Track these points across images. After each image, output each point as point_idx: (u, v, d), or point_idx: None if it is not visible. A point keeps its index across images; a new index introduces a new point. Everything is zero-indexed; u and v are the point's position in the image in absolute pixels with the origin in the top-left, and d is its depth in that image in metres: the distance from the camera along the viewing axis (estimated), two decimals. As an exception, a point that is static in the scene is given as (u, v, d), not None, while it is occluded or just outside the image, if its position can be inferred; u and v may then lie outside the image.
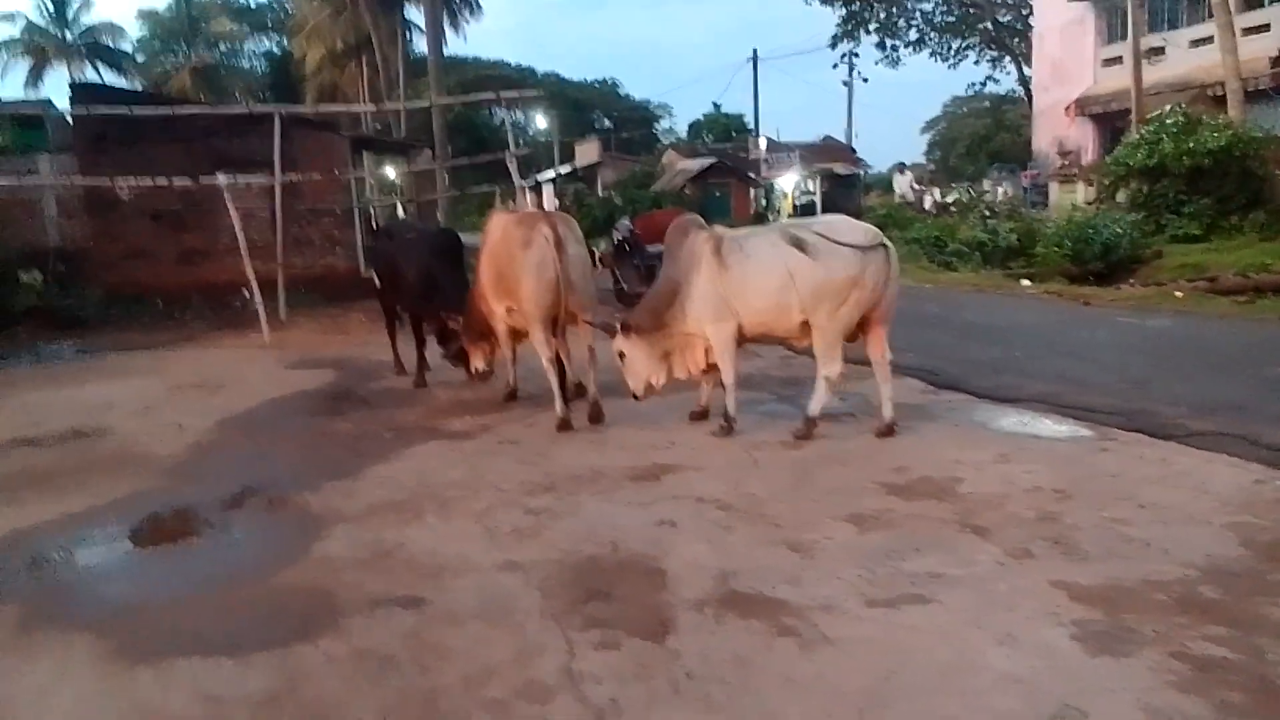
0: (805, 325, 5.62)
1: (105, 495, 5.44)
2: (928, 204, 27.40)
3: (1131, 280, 14.90)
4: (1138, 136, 19.82)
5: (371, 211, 17.38)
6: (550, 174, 43.86)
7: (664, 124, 68.09)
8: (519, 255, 6.36)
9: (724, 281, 5.67)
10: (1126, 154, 19.58)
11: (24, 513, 5.17)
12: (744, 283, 5.63)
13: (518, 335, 7.04)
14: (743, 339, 5.88)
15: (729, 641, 3.22)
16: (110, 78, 45.79)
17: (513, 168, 12.98)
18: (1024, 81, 39.23)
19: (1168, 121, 19.03)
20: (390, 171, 18.12)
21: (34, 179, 15.20)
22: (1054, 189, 25.51)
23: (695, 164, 35.84)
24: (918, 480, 4.81)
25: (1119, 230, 16.31)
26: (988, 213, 20.56)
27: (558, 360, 6.55)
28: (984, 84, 42.78)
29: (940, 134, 65.65)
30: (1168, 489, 4.46)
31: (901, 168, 32.45)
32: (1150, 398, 6.17)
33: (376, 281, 8.92)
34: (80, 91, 14.69)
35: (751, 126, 49.06)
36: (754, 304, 5.64)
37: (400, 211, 20.34)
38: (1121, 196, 19.85)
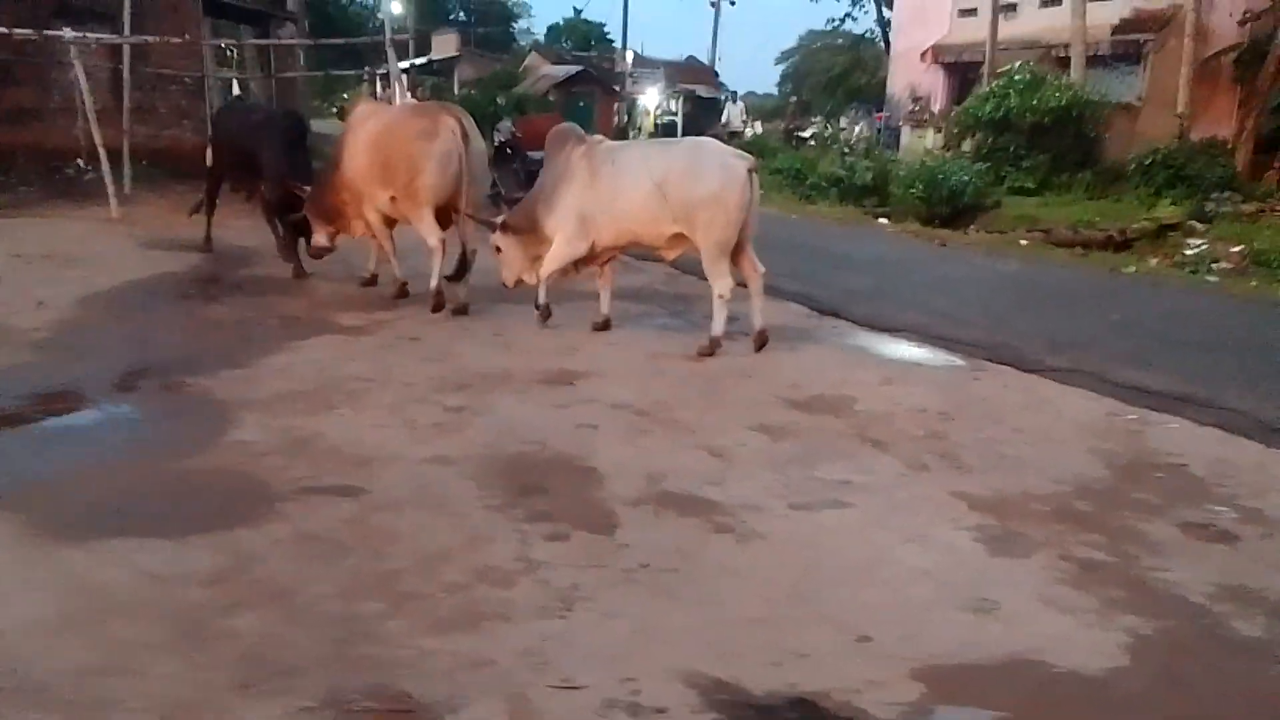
0: (675, 237, 5.95)
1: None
2: (748, 136, 28.28)
3: (973, 226, 15.93)
4: (988, 89, 20.88)
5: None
6: (405, 64, 41.84)
7: (522, 24, 65.97)
8: (421, 145, 6.41)
9: (592, 195, 5.96)
10: (976, 105, 20.64)
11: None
12: (613, 196, 5.93)
13: (391, 224, 7.10)
14: (603, 251, 6.23)
15: (671, 536, 3.44)
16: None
17: (391, 55, 12.39)
18: (882, 23, 40.28)
19: (1015, 77, 20.12)
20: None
21: None
22: (905, 133, 26.62)
23: (561, 70, 35.13)
24: (814, 397, 5.15)
25: (965, 178, 17.27)
26: (846, 150, 21.28)
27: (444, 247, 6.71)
28: (842, 21, 43.67)
29: (793, 67, 66.80)
30: (1035, 415, 4.99)
31: (733, 97, 33.11)
32: (1012, 333, 6.77)
33: (210, 159, 8.96)
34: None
35: (613, 37, 48.34)
36: (620, 216, 5.95)
37: (236, 89, 19.01)
38: (968, 146, 20.98)
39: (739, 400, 5.09)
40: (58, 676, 2.50)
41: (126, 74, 11.47)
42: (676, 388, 5.28)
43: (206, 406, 4.69)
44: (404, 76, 37.21)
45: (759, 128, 29.68)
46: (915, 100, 30.40)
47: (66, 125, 14.17)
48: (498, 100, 28.58)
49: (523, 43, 56.36)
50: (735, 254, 6.01)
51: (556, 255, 6.17)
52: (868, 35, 45.17)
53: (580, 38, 51.36)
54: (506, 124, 12.72)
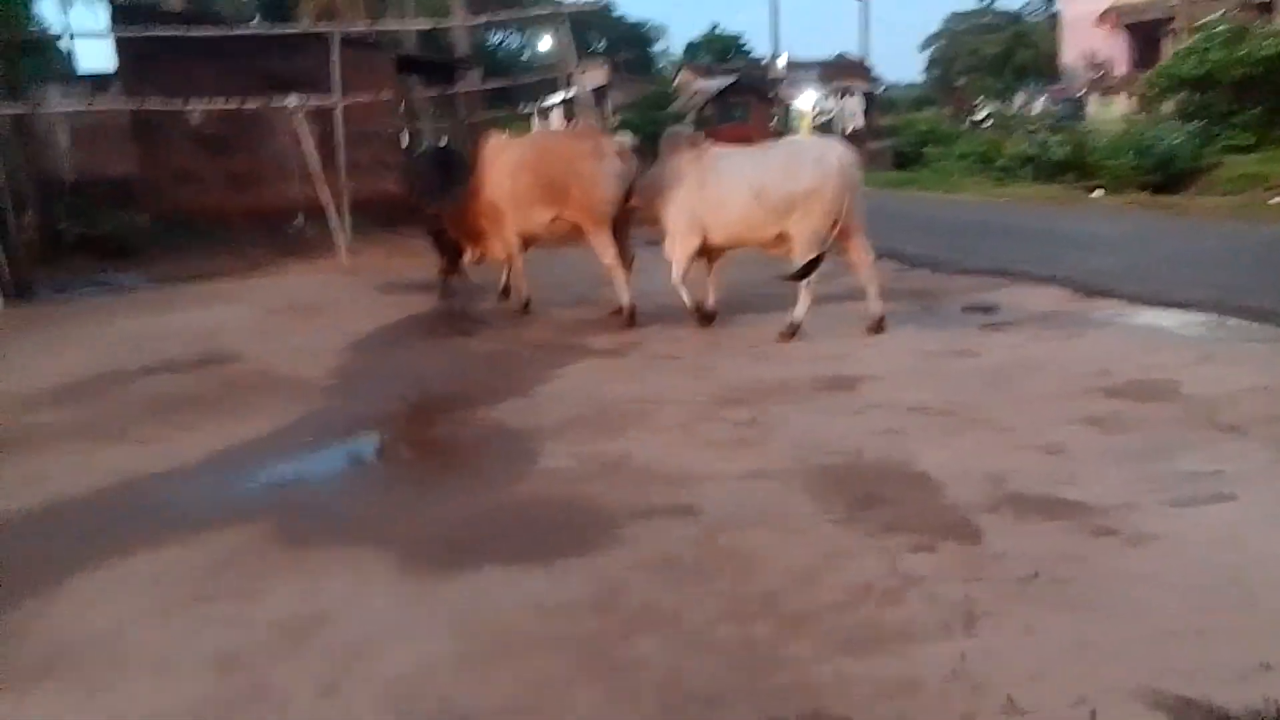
0: (780, 237, 6.20)
1: (283, 416, 5.36)
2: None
3: (1192, 190, 14.74)
4: (1186, 46, 19.40)
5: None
6: (559, 97, 42.97)
7: (660, 45, 66.60)
8: (590, 165, 6.89)
9: (700, 199, 6.34)
10: (1174, 64, 19.22)
11: (211, 434, 5.08)
12: (719, 202, 6.28)
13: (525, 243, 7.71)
14: (714, 250, 6.64)
15: (1046, 542, 3.18)
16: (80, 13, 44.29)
17: (590, 85, 12.62)
18: (1044, -8, 38.34)
19: (1217, 30, 18.61)
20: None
21: (102, 102, 14.74)
22: (1092, 102, 25.03)
23: (714, 83, 35.19)
24: (1130, 383, 4.76)
25: (1177, 140, 16.06)
26: (1032, 127, 20.23)
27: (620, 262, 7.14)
28: (994, -1, 41.66)
29: (940, 51, 64.48)
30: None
31: (850, 91, 32.08)
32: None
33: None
34: (123, 11, 14.13)
35: (750, 47, 47.99)
36: (726, 221, 6.32)
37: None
38: (1168, 107, 19.51)
39: (1043, 393, 4.76)
40: (493, 712, 2.49)
41: (340, 133, 12.11)
42: (967, 385, 5.00)
43: (505, 436, 4.77)
44: (560, 108, 38.34)
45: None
46: (1094, 67, 28.67)
47: (282, 187, 15.20)
48: (656, 120, 28.93)
49: (662, 63, 56.95)
50: (846, 242, 6.17)
51: (677, 256, 6.57)
52: (1024, 9, 43.23)
53: (719, 50, 51.35)
54: (700, 136, 12.63)
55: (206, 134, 14.56)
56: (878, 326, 6.21)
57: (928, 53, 62.68)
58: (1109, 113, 23.51)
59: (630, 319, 7.08)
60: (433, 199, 8.43)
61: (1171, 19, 25.51)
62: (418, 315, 8.22)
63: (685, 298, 6.68)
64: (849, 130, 28.84)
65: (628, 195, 6.90)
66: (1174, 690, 2.36)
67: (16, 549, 3.75)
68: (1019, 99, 27.97)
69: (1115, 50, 28.52)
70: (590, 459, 4.32)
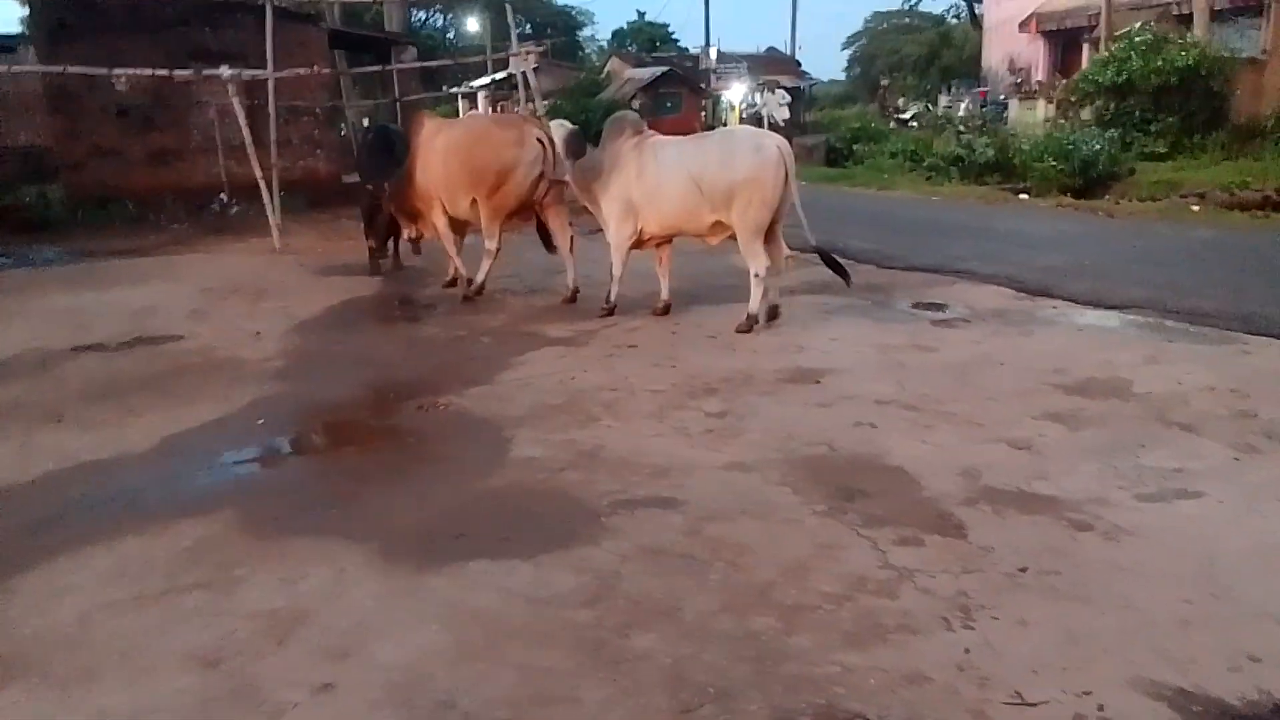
0: (716, 225, 6.23)
1: (231, 400, 5.17)
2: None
3: (1108, 195, 15.28)
4: (1106, 53, 20.09)
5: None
6: (485, 80, 42.35)
7: (586, 31, 66.22)
8: (510, 153, 6.96)
9: (638, 186, 6.32)
10: (1094, 71, 19.88)
11: (157, 418, 4.88)
12: (656, 190, 6.26)
13: (458, 226, 7.81)
14: (648, 239, 6.61)
15: (1029, 535, 3.26)
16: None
17: (530, 67, 12.45)
18: (968, -2, 39.33)
19: (1136, 39, 19.31)
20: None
21: (22, 65, 13.92)
22: (1013, 105, 25.76)
23: (646, 73, 35.10)
24: (1086, 381, 4.90)
25: (1097, 146, 16.63)
26: (961, 128, 20.72)
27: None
28: (918, 0, 42.61)
29: (861, 49, 65.87)
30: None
31: (773, 86, 32.26)
32: (1255, 301, 6.37)
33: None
34: (37, -29, 13.41)
35: (678, 37, 48.17)
36: (663, 209, 6.31)
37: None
38: (1087, 114, 20.19)
39: (1006, 389, 4.87)
40: (497, 707, 2.44)
41: (272, 108, 11.68)
42: (930, 379, 5.09)
43: (474, 424, 4.68)
44: (484, 92, 37.81)
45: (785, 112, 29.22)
46: (1015, 72, 29.52)
47: (206, 164, 14.67)
48: (587, 107, 28.73)
49: (588, 50, 56.65)
50: (766, 232, 6.20)
51: (615, 244, 6.63)
52: (949, 13, 44.32)
53: (645, 40, 51.40)
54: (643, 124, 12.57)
55: (127, 107, 13.94)
56: (772, 314, 6.37)
57: (849, 51, 64.11)
58: (1030, 117, 24.24)
59: (572, 298, 7.35)
60: (373, 178, 8.51)
61: (1092, 27, 26.37)
62: (362, 299, 8.02)
63: (613, 289, 6.81)
64: (774, 124, 29.14)
65: (539, 183, 7.04)
66: (1169, 681, 2.44)
67: (-40, 539, 3.53)
68: (944, 100, 28.68)
69: (1036, 55, 29.39)
70: (565, 448, 4.27)
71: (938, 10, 43.59)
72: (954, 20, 44.06)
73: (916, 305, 6.87)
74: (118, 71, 10.20)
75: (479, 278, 7.54)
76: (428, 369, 5.79)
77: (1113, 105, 19.27)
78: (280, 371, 5.79)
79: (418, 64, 16.39)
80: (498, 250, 7.46)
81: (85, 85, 13.45)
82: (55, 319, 7.42)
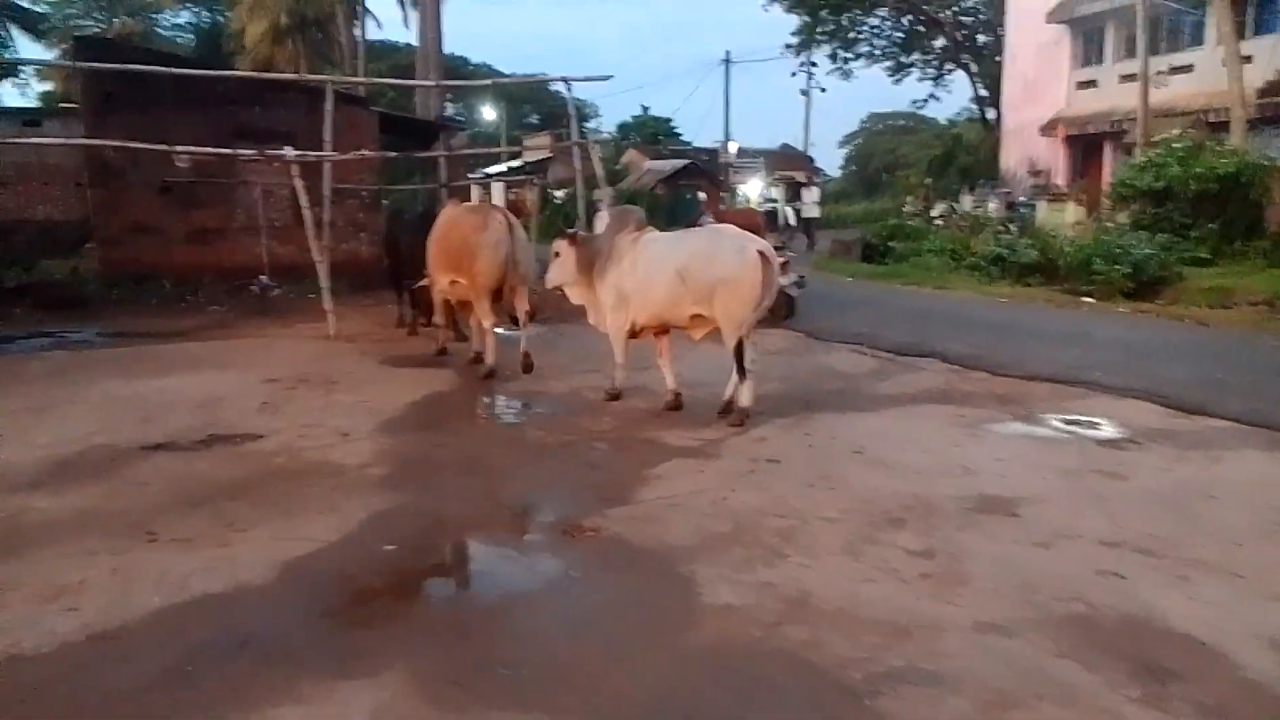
0: (695, 318, 6.36)
1: (343, 515, 4.56)
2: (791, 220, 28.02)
3: (1158, 300, 14.95)
4: (1144, 159, 20.09)
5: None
6: (501, 168, 42.63)
7: (592, 123, 67.31)
8: (475, 237, 7.51)
9: (631, 279, 6.48)
10: (1133, 175, 19.83)
11: (265, 538, 4.25)
12: (645, 282, 6.41)
13: (457, 306, 8.50)
14: (639, 330, 6.69)
15: None
16: (25, 45, 42.63)
17: (595, 154, 12.19)
18: (979, 100, 39.95)
19: (1175, 145, 19.33)
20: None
21: (73, 139, 13.55)
22: (1041, 207, 25.78)
23: (668, 165, 35.33)
24: (1326, 520, 4.33)
25: (1147, 251, 16.38)
26: (999, 228, 20.60)
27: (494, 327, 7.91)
28: (925, 102, 43.36)
29: (857, 148, 67.38)
30: None
31: (808, 183, 31.92)
32: None
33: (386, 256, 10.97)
34: (84, 45, 13.16)
35: (680, 131, 48.89)
36: (649, 301, 6.44)
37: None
38: (1124, 217, 20.08)
39: (1243, 528, 4.31)
40: None
41: (327, 189, 11.31)
42: (1143, 514, 4.51)
43: (638, 557, 4.06)
44: (501, 181, 38.05)
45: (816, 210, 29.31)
46: (1034, 174, 29.75)
47: (248, 243, 14.26)
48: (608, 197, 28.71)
49: (594, 140, 57.43)
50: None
51: (613, 335, 6.79)
52: (960, 115, 45.07)
53: (649, 134, 52.21)
54: (708, 219, 12.30)
55: (171, 183, 13.56)
56: (740, 420, 6.27)
57: (845, 150, 65.62)
58: (1057, 218, 24.18)
59: (486, 369, 7.87)
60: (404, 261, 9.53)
61: (1116, 133, 26.61)
62: (443, 394, 7.44)
63: (618, 376, 6.91)
64: (803, 219, 29.26)
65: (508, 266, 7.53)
66: None
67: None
68: (966, 200, 28.72)
69: (1056, 158, 29.65)
70: (763, 592, 3.66)
71: (946, 114, 44.31)
72: (960, 123, 44.58)
73: (1065, 420, 6.32)
74: (180, 149, 9.79)
75: (487, 357, 7.95)
76: (550, 481, 5.20)
77: (1150, 210, 19.15)
78: (386, 480, 5.18)
79: (466, 151, 16.17)
80: (492, 328, 7.87)
81: (129, 160, 13.14)
82: (114, 410, 6.82)
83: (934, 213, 26.66)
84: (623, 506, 4.70)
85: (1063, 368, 7.92)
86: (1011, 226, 20.92)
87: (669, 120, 55.28)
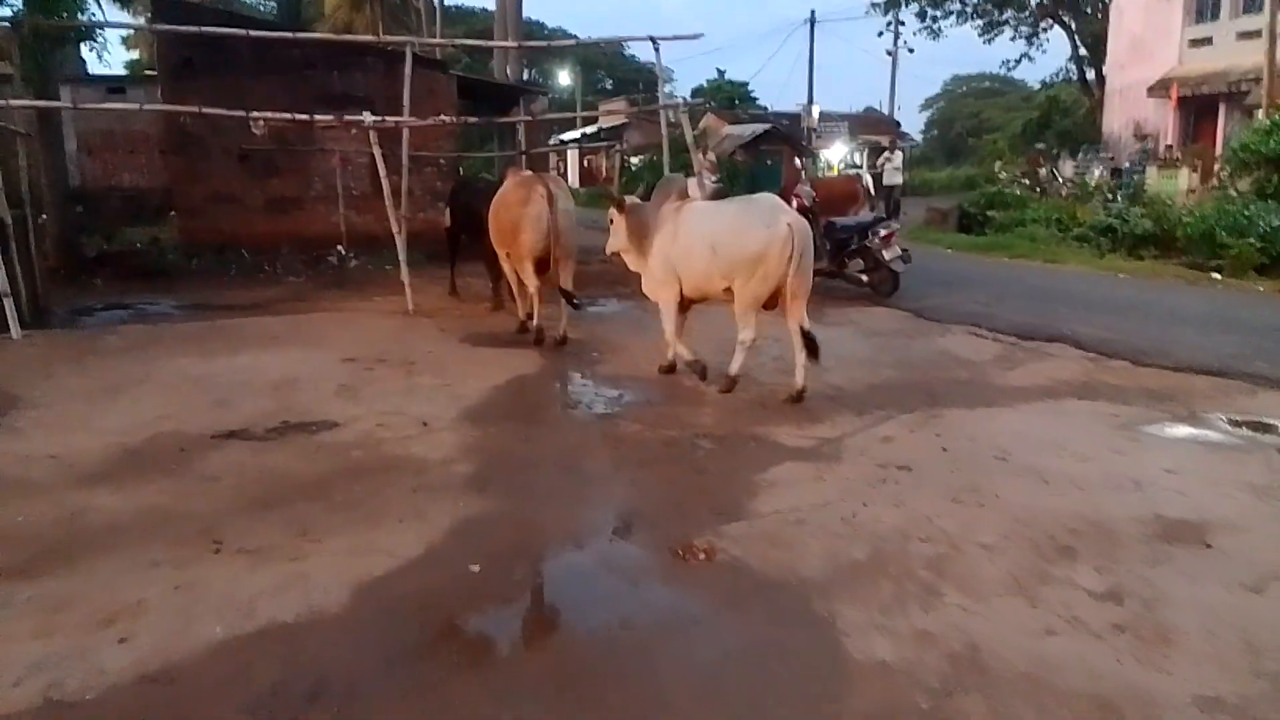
0: (728, 291, 6.09)
1: (427, 523, 4.07)
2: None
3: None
4: (1270, 122, 18.56)
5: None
6: (575, 134, 41.99)
7: (666, 88, 66.09)
8: (518, 210, 7.56)
9: (673, 249, 6.27)
10: (1257, 139, 18.32)
11: (341, 551, 3.79)
12: (685, 254, 6.19)
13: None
14: (687, 301, 6.48)
15: None
16: (111, 12, 43.28)
17: (685, 119, 11.52)
18: (1078, 59, 37.89)
19: (1303, 107, 17.80)
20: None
21: (152, 104, 13.37)
22: (1151, 174, 24.20)
23: (747, 130, 34.24)
24: None
25: (1276, 222, 15.05)
26: (1110, 196, 19.32)
27: (540, 294, 7.92)
28: (1018, 62, 41.26)
29: (939, 112, 65.00)
30: None
31: (894, 146, 29.50)
32: None
33: (449, 221, 10.65)
34: (165, 8, 12.90)
35: (757, 95, 47.47)
36: (688, 272, 6.23)
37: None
38: (1245, 185, 18.61)
39: None
40: None
41: (405, 157, 10.87)
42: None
43: (763, 590, 3.48)
44: (576, 146, 37.23)
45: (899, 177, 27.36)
46: (1140, 138, 28.01)
47: (325, 213, 13.96)
48: (684, 164, 27.90)
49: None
50: (787, 308, 6.06)
51: (662, 307, 6.57)
52: (1057, 76, 42.90)
53: (725, 98, 51.03)
54: (808, 189, 11.54)
55: (249, 151, 13.29)
56: (798, 397, 6.03)
57: (927, 113, 63.35)
58: (1169, 186, 22.64)
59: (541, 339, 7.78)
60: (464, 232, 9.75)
61: (1233, 94, 24.86)
62: (528, 378, 6.93)
63: (683, 353, 6.62)
64: (884, 186, 27.92)
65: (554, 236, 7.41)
66: None
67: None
68: (1067, 166, 27.16)
69: (1164, 122, 27.87)
70: (923, 646, 3.04)
71: (1036, 76, 42.23)
72: (1056, 85, 42.37)
73: (1237, 423, 5.52)
74: (255, 115, 9.42)
75: (521, 314, 8.32)
76: (653, 486, 4.63)
77: (1275, 177, 17.67)
78: (472, 480, 4.68)
79: (546, 116, 15.58)
80: (535, 290, 7.87)
81: (208, 127, 12.90)
82: (187, 391, 6.46)
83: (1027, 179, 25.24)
84: (739, 521, 4.12)
85: (1217, 357, 7.05)
86: (1119, 195, 19.59)
87: (745, 85, 54.10)
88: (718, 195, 13.87)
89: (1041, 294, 10.38)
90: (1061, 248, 15.66)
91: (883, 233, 10.12)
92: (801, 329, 5.99)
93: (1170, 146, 26.10)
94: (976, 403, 6.02)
